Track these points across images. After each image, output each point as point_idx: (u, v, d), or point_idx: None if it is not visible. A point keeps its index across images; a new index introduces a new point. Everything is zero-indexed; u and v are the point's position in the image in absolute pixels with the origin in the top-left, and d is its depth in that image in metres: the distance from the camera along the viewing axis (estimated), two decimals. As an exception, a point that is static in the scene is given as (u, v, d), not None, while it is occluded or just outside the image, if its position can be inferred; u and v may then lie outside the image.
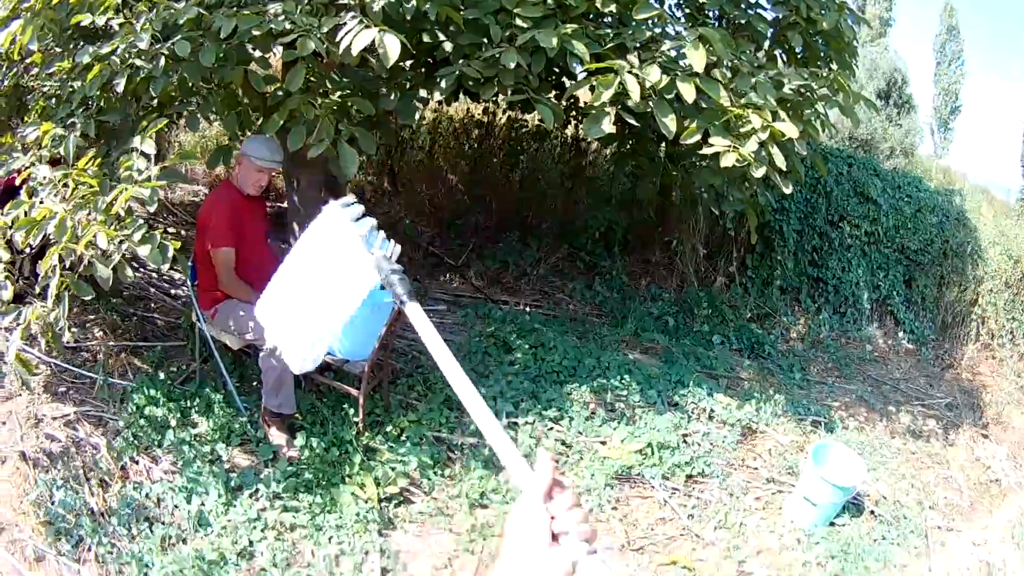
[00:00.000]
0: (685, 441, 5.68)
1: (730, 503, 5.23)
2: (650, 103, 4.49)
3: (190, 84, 4.52)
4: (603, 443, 5.48)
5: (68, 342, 4.95)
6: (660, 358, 6.93)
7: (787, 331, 8.34)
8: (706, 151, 4.70)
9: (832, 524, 5.17)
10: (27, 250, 4.10)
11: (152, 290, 6.17)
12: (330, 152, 4.37)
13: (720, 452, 5.73)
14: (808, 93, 5.40)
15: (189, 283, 5.10)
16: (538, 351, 6.25)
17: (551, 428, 5.49)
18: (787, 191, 5.23)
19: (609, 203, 8.32)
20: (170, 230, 7.38)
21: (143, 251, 3.71)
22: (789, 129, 4.59)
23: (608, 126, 4.48)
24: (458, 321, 6.82)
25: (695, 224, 8.27)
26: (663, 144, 6.89)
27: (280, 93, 4.60)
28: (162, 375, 5.12)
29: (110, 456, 4.40)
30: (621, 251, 8.28)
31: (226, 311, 4.86)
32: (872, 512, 5.41)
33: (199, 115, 4.84)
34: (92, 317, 5.59)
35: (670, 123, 4.47)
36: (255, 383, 5.13)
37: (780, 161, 4.65)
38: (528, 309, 7.29)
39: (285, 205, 7.80)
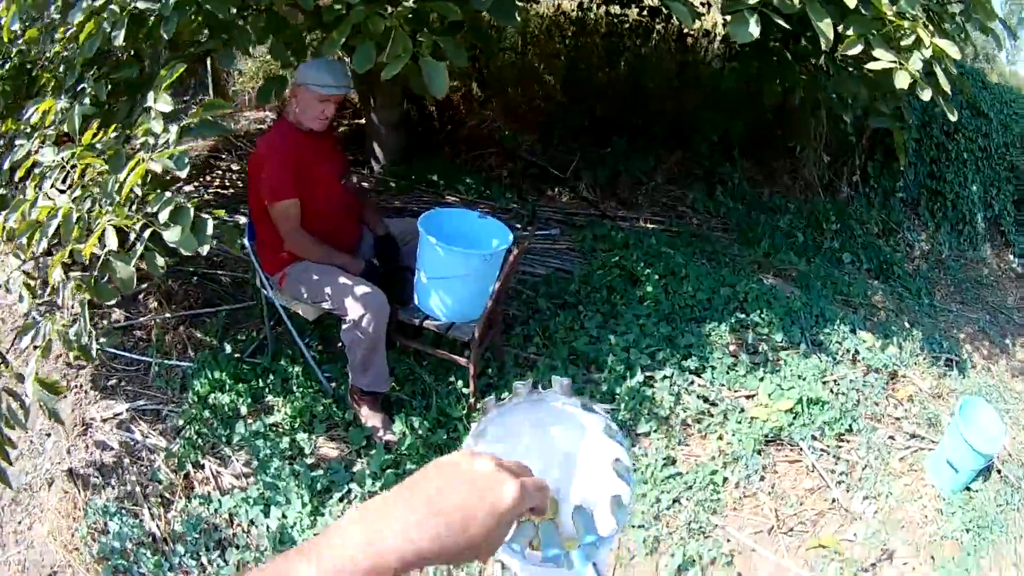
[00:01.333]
0: (832, 391, 4.37)
1: (877, 467, 4.03)
2: (800, 2, 3.19)
3: (218, 16, 3.08)
4: (748, 397, 4.16)
5: (100, 345, 3.70)
6: (795, 283, 5.40)
7: (911, 248, 6.79)
8: (872, 66, 3.38)
9: (968, 488, 4.02)
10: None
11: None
12: (411, 69, 2.96)
13: (866, 403, 4.41)
14: (946, 5, 4.14)
15: (247, 243, 3.61)
16: (669, 282, 4.75)
17: (692, 382, 4.13)
18: (952, 117, 3.88)
19: (723, 105, 6.58)
20: (234, 168, 5.82)
21: (171, 236, 2.41)
22: (951, 49, 3.37)
23: (755, 28, 3.16)
24: (575, 246, 5.28)
25: (817, 129, 6.73)
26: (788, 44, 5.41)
27: (338, 6, 3.15)
28: (228, 347, 3.91)
29: (168, 466, 3.24)
30: (741, 156, 6.61)
31: (296, 275, 3.50)
32: (999, 471, 4.21)
33: (235, 48, 3.32)
34: (144, 286, 4.24)
35: (826, 28, 3.16)
36: (340, 344, 3.76)
37: (944, 83, 3.45)
38: (649, 226, 5.72)
39: (363, 121, 6.23)
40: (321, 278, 3.39)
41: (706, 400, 4.08)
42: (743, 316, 4.67)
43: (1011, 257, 7.53)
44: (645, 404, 3.92)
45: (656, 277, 4.73)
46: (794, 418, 4.08)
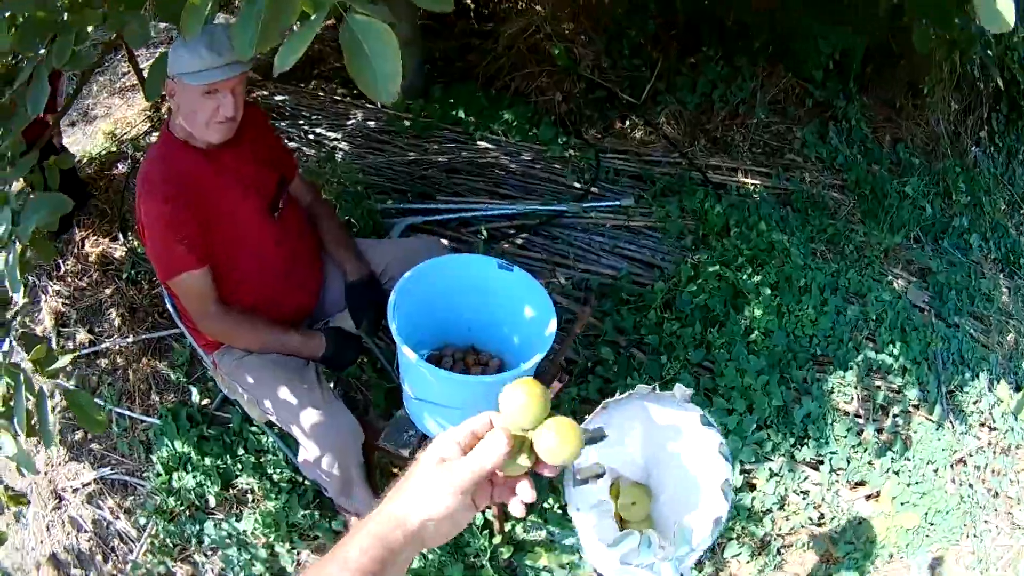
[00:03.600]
0: (961, 485, 3.33)
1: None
2: None
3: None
4: (869, 498, 3.16)
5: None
6: (927, 285, 4.16)
7: (1032, 229, 5.54)
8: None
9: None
10: None
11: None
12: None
13: (988, 495, 3.40)
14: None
15: (171, 310, 2.47)
16: (782, 297, 3.48)
17: (804, 479, 3.06)
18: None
19: (842, 15, 4.83)
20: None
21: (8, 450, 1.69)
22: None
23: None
24: (655, 225, 3.84)
25: (943, 65, 5.17)
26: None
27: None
28: (195, 393, 3.08)
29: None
30: (858, 89, 5.11)
31: (227, 370, 2.38)
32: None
33: (55, 61, 1.72)
34: (108, 292, 3.36)
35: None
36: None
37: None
38: (750, 183, 4.29)
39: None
40: (258, 382, 2.30)
41: (816, 506, 3.02)
42: (873, 354, 3.52)
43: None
44: (740, 519, 2.84)
45: (768, 291, 3.47)
46: (915, 534, 3.10)
